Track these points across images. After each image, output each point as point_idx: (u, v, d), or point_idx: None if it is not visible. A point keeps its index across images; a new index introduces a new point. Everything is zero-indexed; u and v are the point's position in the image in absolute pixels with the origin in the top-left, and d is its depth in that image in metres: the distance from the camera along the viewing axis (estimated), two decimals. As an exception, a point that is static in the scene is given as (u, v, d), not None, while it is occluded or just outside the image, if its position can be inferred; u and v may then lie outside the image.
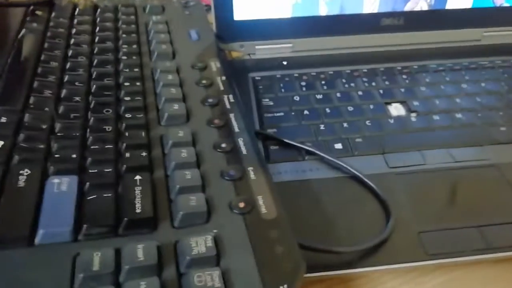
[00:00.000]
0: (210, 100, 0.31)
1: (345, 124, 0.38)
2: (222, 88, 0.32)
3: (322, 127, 0.38)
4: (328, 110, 0.39)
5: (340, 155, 0.35)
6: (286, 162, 0.34)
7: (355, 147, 0.36)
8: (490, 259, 0.29)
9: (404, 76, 0.44)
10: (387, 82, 0.43)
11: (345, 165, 0.33)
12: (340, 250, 0.28)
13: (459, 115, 0.39)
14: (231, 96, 0.31)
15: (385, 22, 0.47)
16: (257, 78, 0.43)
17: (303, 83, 0.43)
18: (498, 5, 0.48)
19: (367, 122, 0.38)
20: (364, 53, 0.47)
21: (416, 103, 0.40)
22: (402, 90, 0.42)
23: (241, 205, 0.23)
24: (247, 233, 0.22)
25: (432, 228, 0.30)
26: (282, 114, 0.39)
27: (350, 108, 0.40)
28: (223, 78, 0.33)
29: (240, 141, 0.28)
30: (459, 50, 0.48)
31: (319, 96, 0.41)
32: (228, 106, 0.31)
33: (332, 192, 0.32)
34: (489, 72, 0.45)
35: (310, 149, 0.35)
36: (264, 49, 0.46)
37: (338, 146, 0.36)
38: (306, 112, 0.39)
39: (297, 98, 0.41)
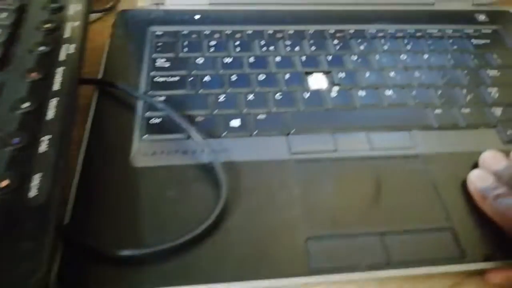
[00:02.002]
0: (41, 48, 0.25)
1: (250, 96, 0.31)
2: (67, 35, 0.26)
3: (222, 98, 0.31)
4: (234, 78, 0.32)
5: (236, 134, 0.29)
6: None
7: (255, 125, 0.29)
8: (390, 277, 0.24)
9: (336, 42, 0.37)
10: (313, 48, 0.36)
11: (206, 148, 0.27)
12: (121, 254, 0.22)
13: (389, 92, 0.33)
14: (72, 46, 0.25)
15: (323, -25, 0.40)
16: (158, 33, 0.36)
17: (213, 43, 0.35)
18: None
19: (277, 95, 0.32)
20: (294, 11, 0.39)
21: (341, 74, 0.34)
22: (329, 58, 0.35)
23: (3, 183, 0.19)
24: None
25: (324, 233, 0.24)
26: (177, 78, 0.32)
27: (262, 77, 0.33)
28: (76, 23, 0.26)
29: (51, 102, 0.22)
30: (408, 14, 0.41)
31: (228, 60, 0.34)
32: (62, 57, 0.24)
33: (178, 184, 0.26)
34: (436, 42, 0.38)
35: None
36: (174, -2, 0.38)
37: (236, 123, 0.30)
38: (207, 78, 0.32)
39: (200, 60, 0.34)
